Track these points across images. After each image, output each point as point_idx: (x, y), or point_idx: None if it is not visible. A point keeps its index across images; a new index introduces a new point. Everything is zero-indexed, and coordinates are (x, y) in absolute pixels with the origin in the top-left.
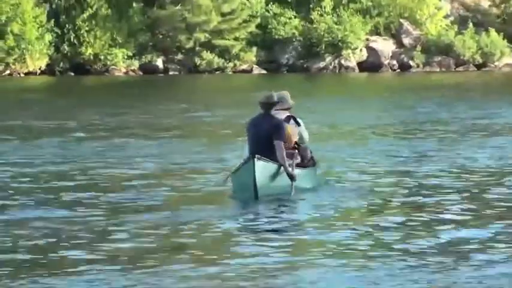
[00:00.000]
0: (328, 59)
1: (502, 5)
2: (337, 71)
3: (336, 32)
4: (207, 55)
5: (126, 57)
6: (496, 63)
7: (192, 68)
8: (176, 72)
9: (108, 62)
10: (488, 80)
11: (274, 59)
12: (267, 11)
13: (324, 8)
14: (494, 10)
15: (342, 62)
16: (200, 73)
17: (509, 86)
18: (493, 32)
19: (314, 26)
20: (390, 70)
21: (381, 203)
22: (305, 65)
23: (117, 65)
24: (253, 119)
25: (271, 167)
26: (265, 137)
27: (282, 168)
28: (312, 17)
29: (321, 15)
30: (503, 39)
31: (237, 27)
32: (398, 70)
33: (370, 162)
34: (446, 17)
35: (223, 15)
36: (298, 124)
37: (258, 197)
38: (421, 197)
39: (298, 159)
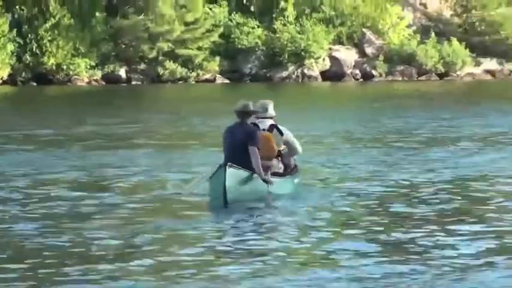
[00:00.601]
0: (291, 68)
1: (464, 15)
2: (300, 80)
3: (298, 41)
4: (170, 65)
5: (88, 67)
6: (458, 73)
7: (155, 78)
8: (139, 82)
9: (71, 72)
10: (451, 89)
11: (237, 68)
12: (230, 20)
13: (287, 17)
14: (456, 20)
15: (305, 71)
16: (163, 83)
17: (471, 95)
18: (455, 41)
19: (277, 35)
20: (353, 79)
21: (354, 210)
22: (268, 75)
23: (80, 75)
24: (229, 127)
25: (243, 174)
26: (240, 145)
27: (255, 175)
28: (275, 26)
29: (284, 24)
30: (465, 48)
31: (200, 36)
32: (361, 79)
33: (339, 171)
34: (408, 26)
35: (186, 24)
36: (281, 133)
37: (227, 204)
38: (391, 203)
39: (281, 168)
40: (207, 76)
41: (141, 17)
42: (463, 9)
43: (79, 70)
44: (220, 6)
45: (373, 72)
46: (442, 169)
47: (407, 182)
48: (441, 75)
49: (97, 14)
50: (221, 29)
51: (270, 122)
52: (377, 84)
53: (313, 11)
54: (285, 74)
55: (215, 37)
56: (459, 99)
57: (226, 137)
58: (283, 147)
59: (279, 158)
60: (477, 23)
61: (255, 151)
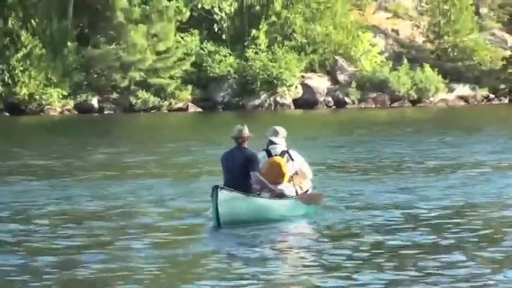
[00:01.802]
0: (264, 96)
1: (436, 41)
2: (272, 108)
3: (271, 69)
4: (143, 94)
5: (61, 96)
6: (431, 99)
7: (128, 107)
8: (111, 112)
9: (43, 102)
10: (425, 116)
11: (209, 96)
12: (202, 49)
13: (259, 45)
14: (429, 46)
15: (278, 99)
16: (135, 112)
17: (443, 122)
18: (427, 67)
19: (249, 63)
20: (326, 107)
21: (345, 233)
22: (241, 103)
23: (52, 105)
24: (226, 153)
25: (237, 196)
26: (239, 169)
27: (252, 197)
28: (247, 54)
29: (256, 52)
30: (438, 74)
31: (172, 65)
32: (334, 107)
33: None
34: (381, 53)
35: (158, 53)
36: (292, 159)
37: (220, 225)
38: (370, 230)
39: (294, 192)
40: (180, 105)
41: (113, 46)
42: (435, 36)
43: (51, 100)
44: (191, 35)
45: (346, 99)
46: (444, 195)
47: (413, 208)
48: (414, 102)
49: (68, 43)
50: (193, 58)
51: (282, 148)
52: (350, 111)
53: (285, 38)
54: (257, 102)
55: (187, 66)
56: (434, 125)
57: (223, 162)
58: (293, 171)
59: (292, 183)
60: (450, 49)
61: (256, 175)
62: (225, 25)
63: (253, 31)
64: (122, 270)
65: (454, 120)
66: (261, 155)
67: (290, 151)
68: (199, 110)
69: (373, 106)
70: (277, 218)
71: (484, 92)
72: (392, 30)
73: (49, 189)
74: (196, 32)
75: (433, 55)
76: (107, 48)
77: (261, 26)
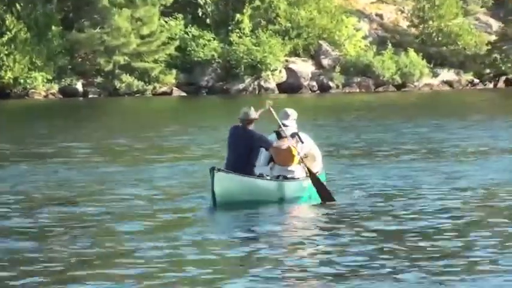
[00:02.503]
0: (248, 80)
1: (421, 26)
2: (256, 92)
3: (255, 53)
4: (127, 78)
5: (45, 80)
6: (416, 84)
7: (112, 91)
8: (96, 96)
9: (28, 86)
10: (411, 100)
11: (193, 81)
12: (186, 33)
13: (243, 29)
14: (413, 30)
15: (262, 83)
16: (120, 96)
17: (428, 106)
18: (411, 52)
19: (233, 47)
20: (310, 91)
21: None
22: (225, 87)
23: (37, 89)
24: (234, 128)
25: (233, 178)
26: (241, 149)
27: (251, 178)
28: (231, 39)
29: (240, 37)
30: (422, 59)
31: (156, 49)
32: (318, 91)
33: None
34: (365, 37)
35: (142, 37)
36: (301, 141)
37: (215, 205)
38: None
39: (304, 174)
40: (164, 89)
41: (97, 30)
42: (419, 20)
43: (36, 84)
44: (176, 19)
45: (330, 83)
46: (447, 180)
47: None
48: (398, 87)
49: (53, 27)
50: (177, 42)
51: (292, 130)
52: (334, 96)
53: (269, 23)
54: (241, 86)
55: (171, 50)
56: (419, 110)
57: (229, 137)
58: (303, 153)
59: (302, 165)
60: (434, 34)
61: (263, 152)
62: (209, 9)
63: (237, 15)
64: (120, 254)
65: (442, 104)
66: (272, 137)
67: (300, 133)
68: (184, 94)
69: (358, 91)
70: (276, 200)
71: (468, 76)
72: (377, 14)
73: (37, 172)
74: (180, 16)
75: (417, 40)
76: (91, 32)
77: (245, 10)
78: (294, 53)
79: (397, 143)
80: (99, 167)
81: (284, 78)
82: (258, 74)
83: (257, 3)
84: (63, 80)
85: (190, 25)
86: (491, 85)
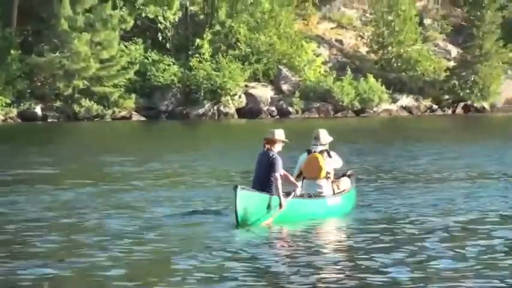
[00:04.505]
0: (208, 105)
1: (380, 51)
2: (216, 117)
3: (214, 78)
4: (86, 102)
5: (4, 104)
6: (375, 109)
7: (71, 115)
8: (55, 120)
9: None
10: (369, 126)
11: (153, 105)
12: (146, 58)
13: (203, 54)
14: (373, 56)
15: (221, 108)
16: (79, 120)
17: (387, 131)
18: (371, 78)
19: (193, 72)
20: (269, 116)
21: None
22: (184, 112)
23: None
24: (259, 154)
25: (256, 197)
26: (264, 170)
27: (271, 198)
28: (191, 63)
29: (200, 61)
30: (382, 85)
31: (116, 74)
32: (278, 116)
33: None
34: (324, 63)
35: (101, 62)
36: (330, 157)
37: (238, 224)
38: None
39: (330, 190)
40: (123, 113)
41: (57, 54)
42: (379, 46)
43: None
44: (135, 43)
45: (290, 109)
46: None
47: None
48: (357, 112)
49: (12, 51)
50: (137, 66)
51: (321, 148)
52: (293, 121)
53: (229, 48)
54: (201, 111)
55: (131, 74)
56: (378, 135)
57: (256, 161)
58: (331, 168)
59: (329, 180)
60: (393, 60)
61: (275, 177)
62: (169, 34)
63: (198, 40)
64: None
65: (400, 129)
66: (303, 155)
67: (330, 151)
68: (143, 118)
69: (317, 116)
70: (301, 218)
71: (427, 102)
72: (336, 40)
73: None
74: (140, 40)
75: (376, 65)
76: (51, 56)
77: (205, 35)
78: (254, 78)
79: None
80: (58, 190)
81: (244, 103)
82: (217, 98)
83: (217, 28)
84: (22, 104)
85: (150, 50)
86: (449, 111)
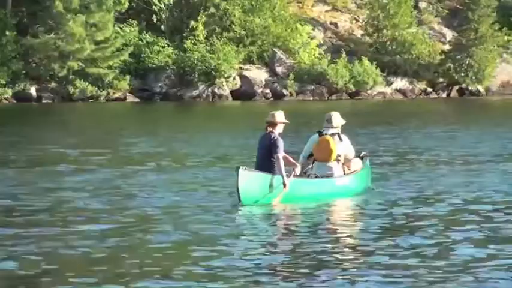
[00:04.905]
0: (202, 87)
1: (375, 34)
2: (210, 99)
3: (209, 60)
4: (81, 83)
5: None
6: (369, 92)
7: (66, 96)
8: (49, 101)
9: None
10: (363, 108)
11: (147, 87)
12: (141, 39)
13: (198, 36)
14: (367, 39)
15: (216, 90)
16: (73, 101)
17: (381, 114)
18: (365, 60)
19: (187, 54)
20: (264, 98)
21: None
22: (179, 93)
23: None
24: (260, 136)
25: (258, 176)
26: (266, 152)
27: (274, 178)
28: (186, 45)
29: (194, 43)
30: (376, 68)
31: (111, 55)
32: (272, 98)
33: None
34: (319, 45)
35: (96, 43)
36: (341, 140)
37: (241, 201)
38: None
39: (340, 171)
40: (118, 95)
41: (52, 35)
42: (374, 29)
43: None
44: (130, 25)
45: (284, 91)
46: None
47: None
48: (351, 95)
49: (7, 32)
50: (131, 48)
51: (333, 131)
52: (287, 103)
53: (223, 30)
54: (195, 93)
55: (125, 56)
56: (375, 118)
57: (258, 144)
58: (341, 151)
59: (340, 163)
60: (388, 43)
61: (277, 157)
62: (163, 16)
63: (192, 22)
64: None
65: (397, 112)
66: (314, 137)
67: (341, 135)
68: (137, 100)
69: (311, 98)
70: (309, 198)
71: (422, 85)
72: (331, 23)
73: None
74: (135, 22)
75: (371, 48)
76: (46, 38)
77: (199, 18)
78: (248, 60)
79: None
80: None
81: (238, 86)
82: (212, 80)
83: (212, 10)
84: (16, 85)
85: (144, 31)
86: (444, 94)
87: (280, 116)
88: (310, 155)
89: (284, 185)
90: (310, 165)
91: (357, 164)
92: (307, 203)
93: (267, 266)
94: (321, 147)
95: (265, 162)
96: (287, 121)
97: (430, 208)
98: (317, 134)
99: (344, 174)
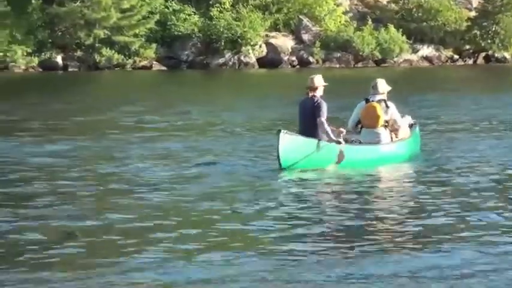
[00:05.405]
0: (228, 55)
1: (401, 1)
2: (236, 67)
3: (235, 28)
4: (107, 51)
5: (25, 54)
6: (395, 59)
7: (92, 65)
8: (76, 69)
9: (8, 59)
10: (393, 76)
11: (174, 55)
12: (166, 7)
13: (223, 4)
14: (393, 6)
15: (242, 58)
16: (100, 70)
17: (413, 81)
18: (391, 28)
19: (213, 22)
20: (290, 66)
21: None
22: (205, 61)
23: (17, 62)
24: (301, 101)
25: (299, 140)
26: (309, 117)
27: (317, 142)
28: (212, 13)
29: (220, 11)
30: (402, 35)
31: (137, 23)
32: (298, 66)
33: None
34: (345, 13)
35: (122, 11)
36: (387, 106)
37: (281, 166)
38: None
39: (388, 138)
40: (144, 63)
41: (78, 3)
42: None
43: (16, 57)
44: None
45: (310, 59)
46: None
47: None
48: (378, 62)
49: (33, 1)
50: (157, 16)
51: (379, 97)
52: (314, 71)
53: None
54: (221, 60)
55: (151, 24)
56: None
57: (299, 110)
58: (388, 117)
59: (387, 129)
60: (414, 10)
61: (321, 122)
62: None
63: None
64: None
65: (428, 79)
66: (361, 104)
67: (388, 102)
68: (164, 68)
69: (337, 66)
70: (354, 164)
71: (448, 52)
72: None
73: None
74: None
75: (397, 15)
76: (72, 6)
77: None
78: (274, 27)
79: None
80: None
81: (264, 53)
82: (238, 48)
83: None
84: (43, 53)
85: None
86: (470, 61)
87: (319, 79)
88: (358, 122)
89: (338, 142)
90: (359, 130)
91: (404, 131)
92: (353, 170)
93: (300, 236)
94: (367, 114)
95: (309, 127)
96: (326, 83)
97: (482, 178)
98: (364, 101)
99: (392, 141)
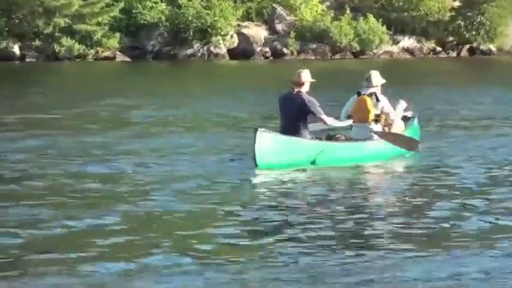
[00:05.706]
0: (197, 45)
1: None
2: (206, 58)
3: (205, 17)
4: (67, 41)
5: None
6: (375, 51)
7: (51, 55)
8: (34, 59)
9: None
10: (373, 68)
11: (138, 45)
12: None
13: None
14: None
15: (212, 48)
16: (59, 60)
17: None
18: (371, 18)
19: (182, 10)
20: (263, 57)
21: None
22: (172, 52)
23: None
24: (283, 96)
25: (279, 138)
26: (294, 113)
27: (301, 141)
28: (180, 1)
29: None
30: (382, 25)
31: (100, 11)
32: (271, 58)
33: None
34: (322, 2)
35: None
36: (378, 100)
37: (257, 165)
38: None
39: (378, 130)
40: (107, 53)
41: None
42: None
43: None
44: None
45: (284, 50)
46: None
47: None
48: (356, 54)
49: None
50: (122, 4)
51: (371, 90)
52: (288, 62)
53: None
54: (190, 51)
55: (115, 12)
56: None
57: (279, 105)
58: (379, 111)
59: (379, 124)
60: None
61: (322, 119)
62: None
63: None
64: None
65: (410, 72)
66: (353, 98)
67: (378, 94)
68: (128, 59)
69: (313, 58)
70: (340, 162)
71: (430, 44)
72: None
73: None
74: None
75: (377, 4)
76: None
77: None
78: (247, 17)
79: None
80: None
81: (236, 44)
82: (207, 38)
83: None
84: None
85: None
86: (454, 54)
87: (306, 75)
88: (350, 116)
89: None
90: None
91: (398, 126)
92: (338, 167)
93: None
94: (358, 108)
95: (293, 125)
96: (314, 80)
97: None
98: (356, 95)
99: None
